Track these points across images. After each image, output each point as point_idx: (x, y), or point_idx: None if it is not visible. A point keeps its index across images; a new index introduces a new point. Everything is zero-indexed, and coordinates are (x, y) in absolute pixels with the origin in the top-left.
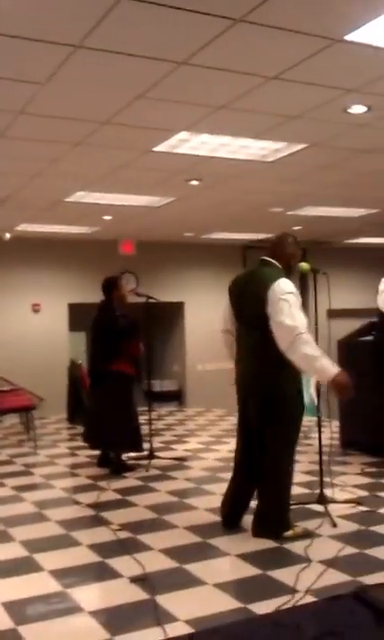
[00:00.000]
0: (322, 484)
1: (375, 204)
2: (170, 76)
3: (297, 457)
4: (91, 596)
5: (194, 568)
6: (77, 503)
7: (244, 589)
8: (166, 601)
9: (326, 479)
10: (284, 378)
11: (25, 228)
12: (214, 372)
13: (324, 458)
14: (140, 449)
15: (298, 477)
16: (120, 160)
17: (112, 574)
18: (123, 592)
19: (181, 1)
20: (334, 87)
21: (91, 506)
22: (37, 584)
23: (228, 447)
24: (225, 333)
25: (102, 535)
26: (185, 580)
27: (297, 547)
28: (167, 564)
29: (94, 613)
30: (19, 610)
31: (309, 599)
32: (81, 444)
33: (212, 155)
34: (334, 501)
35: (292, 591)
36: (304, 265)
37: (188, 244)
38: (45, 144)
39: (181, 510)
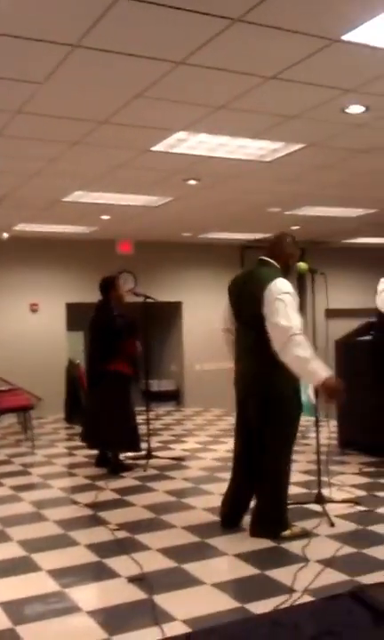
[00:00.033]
0: (320, 484)
1: (373, 203)
2: (168, 76)
3: (295, 457)
4: (88, 595)
5: (192, 568)
6: (75, 503)
7: (241, 589)
8: (164, 601)
9: (324, 479)
10: (281, 378)
11: (23, 227)
12: (212, 371)
13: (322, 457)
14: (137, 449)
15: (296, 477)
16: (118, 160)
17: (110, 574)
18: (120, 592)
19: (179, 0)
20: (332, 87)
21: (88, 505)
22: (35, 584)
23: (226, 447)
24: (225, 332)
25: (100, 535)
26: (183, 580)
27: (295, 546)
28: (165, 563)
29: (92, 613)
30: (17, 610)
31: (307, 599)
32: (79, 443)
33: (210, 154)
34: (332, 501)
35: (290, 591)
36: (302, 265)
37: (186, 243)
38: (43, 143)
39: (179, 510)
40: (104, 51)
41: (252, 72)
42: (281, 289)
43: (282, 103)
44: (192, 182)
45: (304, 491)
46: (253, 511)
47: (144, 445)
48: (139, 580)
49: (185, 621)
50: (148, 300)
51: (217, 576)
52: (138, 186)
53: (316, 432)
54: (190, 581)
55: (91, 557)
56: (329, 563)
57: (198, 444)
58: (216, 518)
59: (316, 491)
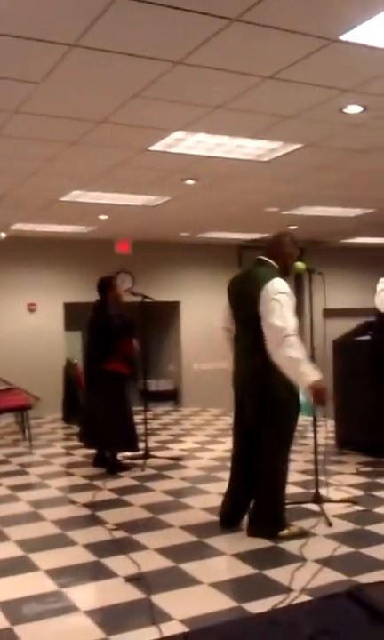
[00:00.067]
0: (317, 484)
1: (371, 203)
2: (166, 76)
3: (293, 456)
4: (86, 595)
5: (189, 567)
6: (73, 503)
7: (239, 588)
8: (162, 600)
9: (322, 478)
10: (280, 378)
11: (20, 227)
12: (210, 371)
13: (320, 457)
14: (135, 448)
15: (293, 477)
16: (116, 159)
17: (107, 574)
18: (118, 591)
19: (177, 0)
20: (330, 87)
21: (86, 505)
22: (33, 584)
23: (224, 446)
24: (225, 331)
25: (98, 535)
26: (180, 580)
27: (292, 546)
28: (162, 563)
29: (90, 613)
30: (14, 609)
31: (304, 598)
32: (76, 443)
33: (208, 154)
34: (330, 501)
35: (288, 590)
36: (300, 265)
37: (184, 243)
38: (41, 143)
39: (177, 510)
40: (102, 50)
41: (249, 72)
42: (277, 289)
43: (280, 103)
44: (190, 182)
45: (302, 490)
46: (251, 511)
47: (142, 445)
48: (136, 580)
49: (182, 621)
50: (146, 300)
51: (214, 576)
52: (136, 186)
53: (314, 432)
54: (188, 581)
55: (88, 557)
56: (326, 562)
57: (196, 443)
58: (214, 518)
59: (313, 490)
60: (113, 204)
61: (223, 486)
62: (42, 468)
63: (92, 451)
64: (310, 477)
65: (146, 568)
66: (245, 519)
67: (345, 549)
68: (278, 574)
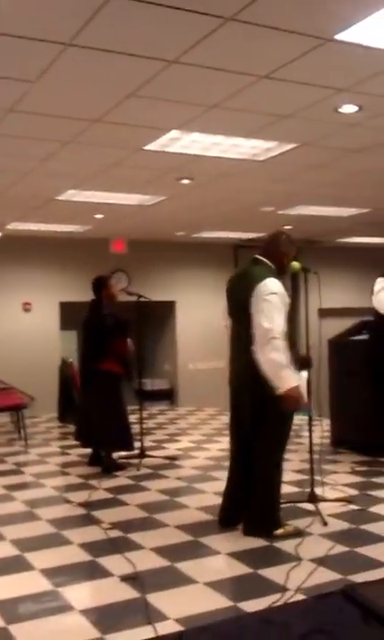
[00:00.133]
0: (312, 483)
1: (366, 203)
2: (161, 75)
3: (288, 456)
4: (81, 594)
5: (185, 567)
6: (68, 502)
7: (234, 588)
8: (157, 599)
9: (317, 478)
10: None
11: (16, 226)
12: (205, 370)
13: (315, 456)
14: (130, 448)
15: (289, 476)
16: (111, 158)
17: (103, 573)
18: (113, 591)
19: None
20: (325, 86)
21: (82, 505)
22: (28, 583)
23: (220, 446)
24: (227, 329)
25: (93, 534)
26: (176, 579)
27: (287, 545)
28: (158, 562)
29: (85, 612)
30: (9, 609)
31: (300, 597)
32: (72, 442)
33: (204, 153)
34: (325, 500)
35: (283, 589)
36: (295, 264)
37: (180, 242)
38: (36, 142)
39: (172, 509)
40: (97, 49)
41: (245, 71)
42: (269, 289)
43: (275, 102)
44: (185, 181)
45: (297, 490)
46: (246, 510)
47: (137, 444)
48: (132, 579)
49: (178, 620)
50: (142, 300)
51: (210, 575)
52: (131, 185)
53: (309, 431)
54: (183, 580)
55: (84, 556)
56: (321, 561)
57: (192, 443)
58: (209, 517)
59: (308, 489)
60: (108, 204)
61: (219, 485)
62: (37, 468)
63: (88, 450)
64: (306, 476)
65: (141, 567)
66: None
67: (340, 548)
68: (273, 573)
